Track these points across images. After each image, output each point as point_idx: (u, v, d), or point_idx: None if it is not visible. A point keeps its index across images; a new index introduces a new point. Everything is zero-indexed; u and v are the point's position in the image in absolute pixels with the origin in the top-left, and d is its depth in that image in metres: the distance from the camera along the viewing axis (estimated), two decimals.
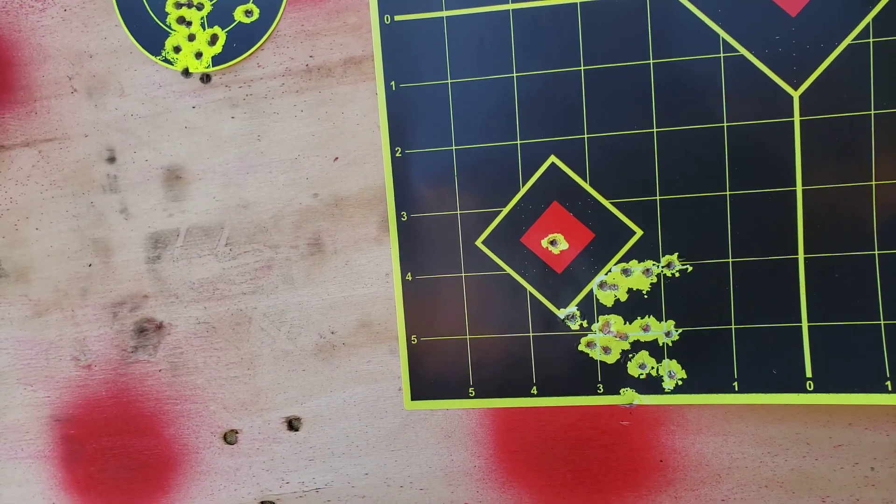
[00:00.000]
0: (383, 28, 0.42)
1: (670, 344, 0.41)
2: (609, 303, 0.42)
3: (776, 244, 0.40)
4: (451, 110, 0.42)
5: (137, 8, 0.44)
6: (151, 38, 0.44)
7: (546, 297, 0.42)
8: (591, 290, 0.42)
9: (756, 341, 0.40)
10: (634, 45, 0.40)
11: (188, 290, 0.45)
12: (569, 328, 0.42)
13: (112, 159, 0.45)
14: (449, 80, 0.42)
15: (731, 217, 0.40)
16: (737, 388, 0.41)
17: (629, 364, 0.42)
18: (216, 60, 0.43)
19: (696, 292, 0.41)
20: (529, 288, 0.42)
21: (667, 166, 0.40)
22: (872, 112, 0.38)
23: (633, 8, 0.40)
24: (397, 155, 0.43)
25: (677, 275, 0.41)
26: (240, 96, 0.44)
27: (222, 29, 0.43)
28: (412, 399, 0.44)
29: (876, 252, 0.39)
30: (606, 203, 0.41)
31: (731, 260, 0.40)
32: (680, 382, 0.41)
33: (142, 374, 0.46)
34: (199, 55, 0.44)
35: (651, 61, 0.40)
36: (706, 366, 0.41)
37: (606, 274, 0.42)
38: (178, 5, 0.43)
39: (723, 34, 0.39)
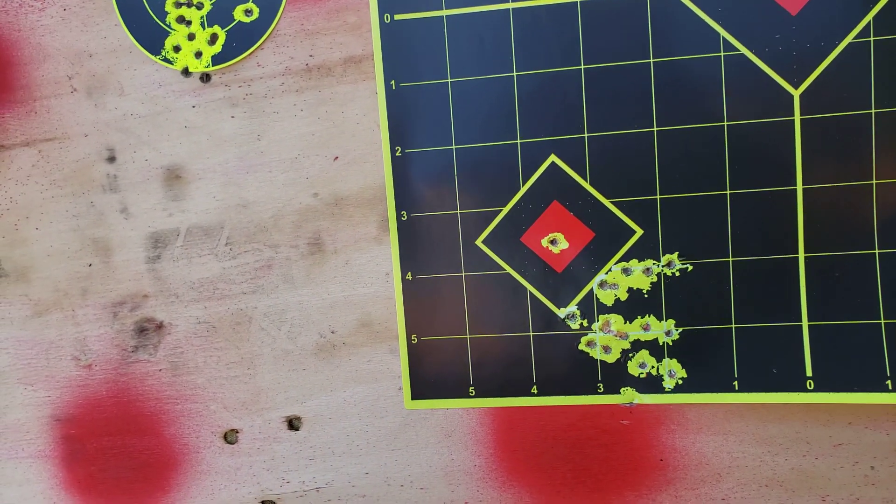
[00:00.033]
0: (383, 27, 0.42)
1: (670, 343, 0.41)
2: (609, 302, 0.42)
3: (776, 243, 0.40)
4: (451, 110, 0.42)
5: (137, 7, 0.44)
6: (151, 37, 0.44)
7: (546, 297, 0.42)
8: (592, 289, 0.42)
9: (756, 340, 0.40)
10: (635, 44, 0.40)
11: (188, 289, 0.45)
12: (569, 327, 0.42)
13: (112, 159, 0.45)
14: (449, 80, 0.41)
15: (731, 216, 0.40)
16: (737, 388, 0.41)
17: (629, 363, 0.42)
18: (216, 60, 0.43)
19: (696, 291, 0.41)
20: (529, 287, 0.42)
21: (667, 165, 0.40)
22: (873, 111, 0.38)
23: (634, 7, 0.40)
24: (397, 154, 0.42)
25: (677, 274, 0.41)
26: (239, 96, 0.44)
27: (222, 28, 0.43)
28: (412, 398, 0.44)
29: (876, 251, 0.39)
30: (606, 202, 0.41)
31: (731, 259, 0.40)
32: (680, 382, 0.41)
33: (142, 373, 0.46)
34: (198, 54, 0.43)
35: (651, 60, 0.40)
36: (706, 365, 0.41)
37: (607, 273, 0.42)
38: (178, 4, 0.43)
39: (723, 33, 0.39)
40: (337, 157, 0.43)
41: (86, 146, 0.45)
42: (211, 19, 0.43)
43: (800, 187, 0.39)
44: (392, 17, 0.42)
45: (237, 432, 0.46)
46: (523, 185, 0.42)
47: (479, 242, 0.42)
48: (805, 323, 0.40)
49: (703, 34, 0.39)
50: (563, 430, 0.43)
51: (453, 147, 0.42)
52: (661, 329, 0.41)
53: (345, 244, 0.44)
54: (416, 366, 0.43)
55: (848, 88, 0.38)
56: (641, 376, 0.42)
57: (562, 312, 0.42)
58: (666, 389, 0.41)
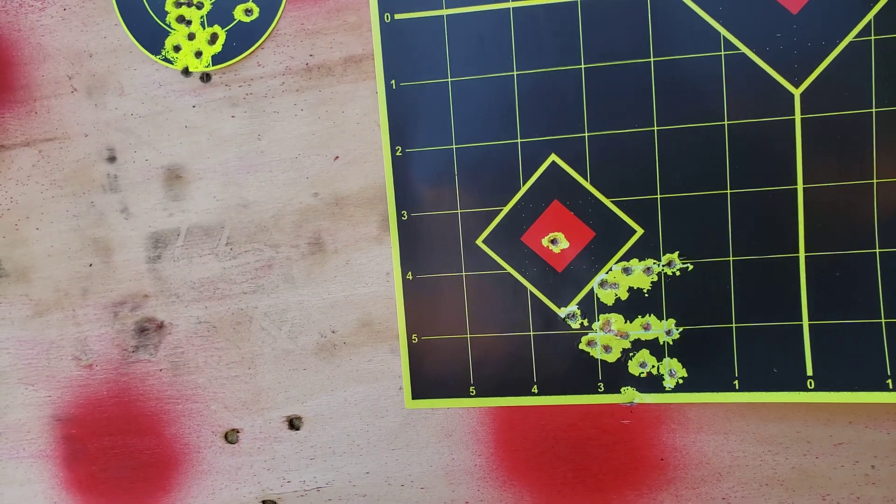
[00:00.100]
0: (383, 26, 0.42)
1: (671, 342, 0.41)
2: (610, 301, 0.42)
3: (777, 242, 0.40)
4: (452, 109, 0.42)
5: (137, 7, 0.44)
6: (151, 37, 0.44)
7: (547, 296, 0.42)
8: (592, 288, 0.42)
9: (757, 340, 0.40)
10: (635, 43, 0.40)
11: (189, 289, 0.45)
12: (569, 327, 0.42)
13: (112, 159, 0.45)
14: (449, 79, 0.41)
15: (731, 215, 0.40)
16: (737, 387, 0.41)
17: (630, 363, 0.42)
18: (216, 59, 0.43)
19: (696, 291, 0.41)
20: (530, 287, 0.42)
21: (667, 165, 0.40)
22: (874, 110, 0.38)
23: (634, 6, 0.40)
24: (397, 154, 0.42)
25: (678, 273, 0.41)
26: (240, 95, 0.44)
27: (222, 28, 0.43)
28: (413, 398, 0.44)
29: (877, 250, 0.39)
30: (607, 201, 0.41)
31: (731, 258, 0.40)
32: (681, 381, 0.41)
33: (143, 373, 0.46)
34: (198, 54, 0.43)
35: (651, 59, 0.40)
36: (707, 364, 0.41)
37: (607, 272, 0.41)
38: (178, 4, 0.43)
39: (724, 32, 0.39)
40: (337, 157, 0.43)
41: (86, 146, 0.45)
42: (211, 19, 0.43)
43: (800, 186, 0.39)
44: (392, 17, 0.42)
45: (238, 432, 0.46)
46: (524, 184, 0.42)
47: (479, 242, 0.42)
48: (805, 322, 0.40)
49: (704, 33, 0.39)
50: (563, 430, 0.43)
51: (453, 146, 0.42)
52: (662, 328, 0.41)
53: (345, 244, 0.44)
54: (416, 365, 0.43)
55: (848, 87, 0.38)
56: (642, 376, 0.42)
57: (562, 312, 0.42)
58: (666, 389, 0.41)
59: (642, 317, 0.41)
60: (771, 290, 0.40)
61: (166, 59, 0.44)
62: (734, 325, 0.40)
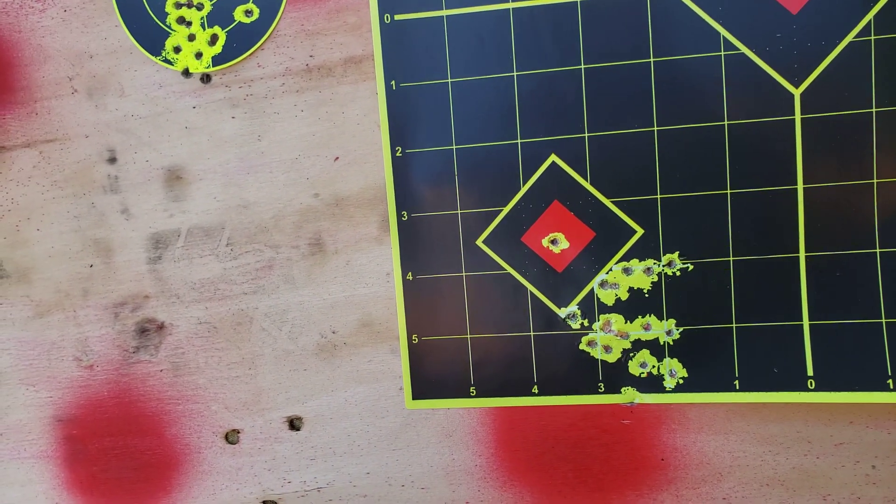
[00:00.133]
0: (383, 27, 0.42)
1: (671, 343, 0.41)
2: (610, 302, 0.42)
3: (777, 242, 0.40)
4: (452, 109, 0.42)
5: (137, 8, 0.44)
6: (151, 38, 0.44)
7: (547, 297, 0.42)
8: (592, 289, 0.42)
9: (757, 340, 0.40)
10: (635, 44, 0.40)
11: (189, 290, 0.45)
12: (570, 327, 0.42)
13: (113, 160, 0.45)
14: (449, 80, 0.41)
15: (731, 215, 0.40)
16: (738, 387, 0.41)
17: (630, 363, 0.42)
18: (216, 60, 0.43)
19: (697, 291, 0.41)
20: (530, 287, 0.42)
21: (667, 165, 0.40)
22: (874, 110, 0.38)
23: (634, 6, 0.40)
24: (398, 154, 0.42)
25: (678, 273, 0.41)
26: (240, 96, 0.44)
27: (222, 29, 0.43)
28: (413, 398, 0.44)
29: (877, 250, 0.39)
30: (607, 202, 0.41)
31: (731, 258, 0.40)
32: (681, 381, 0.41)
33: (143, 374, 0.46)
34: (199, 55, 0.44)
35: (651, 59, 0.40)
36: (707, 364, 0.41)
37: (607, 273, 0.41)
38: (178, 5, 0.43)
39: (723, 32, 0.39)
40: (337, 158, 0.43)
41: (86, 147, 0.45)
42: (211, 20, 0.43)
43: (800, 186, 0.39)
44: (392, 18, 0.42)
45: (238, 432, 0.46)
46: (524, 184, 0.42)
47: (479, 242, 0.42)
48: (806, 322, 0.40)
49: (704, 33, 0.39)
50: (563, 430, 0.43)
51: (453, 147, 0.42)
52: (662, 328, 0.41)
53: (345, 244, 0.44)
54: (416, 366, 0.43)
55: (848, 87, 0.38)
56: (642, 376, 0.42)
57: (562, 312, 0.42)
58: (667, 389, 0.41)
59: (642, 317, 0.41)
60: (771, 290, 0.40)
61: (166, 61, 0.44)
62: (734, 325, 0.40)
